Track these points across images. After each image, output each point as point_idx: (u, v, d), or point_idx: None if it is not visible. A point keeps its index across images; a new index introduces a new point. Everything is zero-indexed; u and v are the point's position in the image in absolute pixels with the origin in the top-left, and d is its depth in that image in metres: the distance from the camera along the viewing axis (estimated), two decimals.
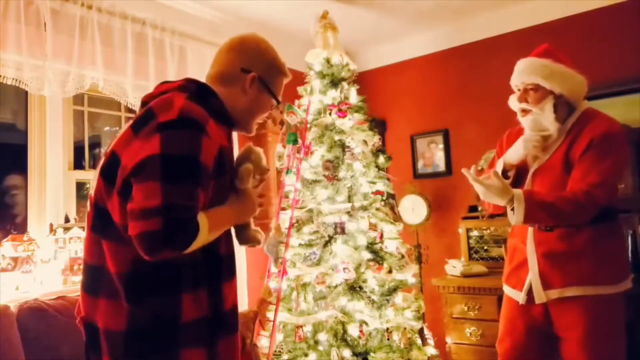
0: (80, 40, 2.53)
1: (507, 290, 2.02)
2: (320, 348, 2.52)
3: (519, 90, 1.95)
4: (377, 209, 2.76)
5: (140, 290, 1.18)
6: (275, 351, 2.57)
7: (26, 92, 2.49)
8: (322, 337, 2.52)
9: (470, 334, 3.06)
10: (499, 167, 1.98)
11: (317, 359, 2.49)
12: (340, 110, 2.81)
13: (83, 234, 2.56)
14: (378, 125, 3.83)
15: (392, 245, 2.81)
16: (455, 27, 3.74)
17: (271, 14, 3.37)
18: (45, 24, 2.40)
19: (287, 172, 2.73)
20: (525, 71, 1.91)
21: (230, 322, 1.33)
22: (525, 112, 1.91)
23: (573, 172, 1.81)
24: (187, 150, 1.14)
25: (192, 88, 1.31)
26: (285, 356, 2.59)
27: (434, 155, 3.92)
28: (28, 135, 2.63)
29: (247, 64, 1.39)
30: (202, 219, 1.15)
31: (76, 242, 2.52)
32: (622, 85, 3.02)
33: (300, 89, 2.94)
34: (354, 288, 2.59)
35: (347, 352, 2.48)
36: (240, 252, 3.00)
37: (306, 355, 2.52)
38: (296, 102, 2.92)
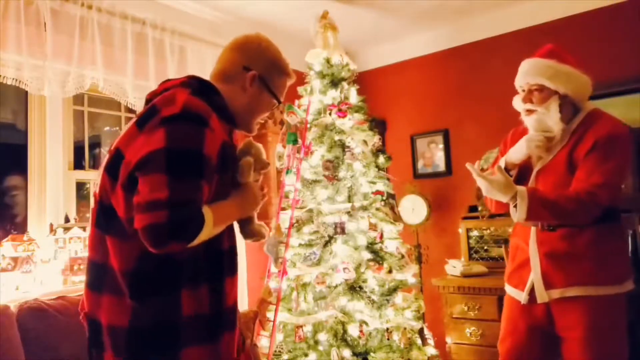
0: (80, 40, 2.53)
1: (509, 290, 2.02)
2: (320, 348, 2.52)
3: (524, 91, 1.94)
4: (377, 209, 2.76)
5: (143, 286, 1.19)
6: (275, 351, 2.57)
7: (26, 92, 2.49)
8: (322, 337, 2.52)
9: (470, 334, 3.06)
10: (501, 165, 1.97)
11: (317, 359, 2.49)
12: (340, 110, 2.81)
13: (83, 234, 2.56)
14: (378, 125, 3.82)
15: (392, 245, 2.81)
16: (455, 27, 3.74)
17: (271, 14, 3.37)
18: (45, 24, 2.40)
19: (287, 172, 2.73)
20: (529, 72, 1.90)
21: (232, 318, 1.34)
22: (529, 112, 1.90)
23: (577, 172, 1.80)
24: (191, 143, 1.15)
25: (194, 84, 1.33)
26: (285, 356, 2.59)
27: (434, 155, 3.92)
28: (28, 135, 2.63)
29: (248, 62, 1.40)
30: (207, 212, 1.16)
31: (76, 242, 2.52)
32: (622, 85, 3.02)
33: (300, 89, 2.94)
34: (354, 288, 2.59)
35: (347, 352, 2.48)
36: (240, 252, 2.99)
37: (306, 355, 2.52)
38: (296, 102, 2.92)
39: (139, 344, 1.19)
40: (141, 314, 1.18)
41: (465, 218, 3.50)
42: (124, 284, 1.19)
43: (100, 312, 1.23)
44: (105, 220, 1.23)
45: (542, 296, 1.84)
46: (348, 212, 2.69)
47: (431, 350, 2.76)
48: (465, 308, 3.10)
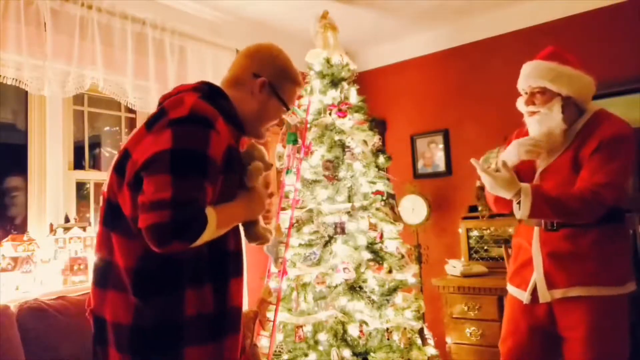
0: (80, 40, 2.53)
1: (511, 289, 2.02)
2: (320, 348, 2.52)
3: (526, 93, 1.94)
4: (377, 209, 2.76)
5: (147, 285, 1.21)
6: (275, 351, 2.57)
7: (26, 92, 2.49)
8: (322, 337, 2.52)
9: (470, 334, 3.06)
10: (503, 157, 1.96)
11: (317, 359, 2.49)
12: (340, 110, 2.81)
13: (83, 234, 2.56)
14: (378, 125, 3.82)
15: (392, 245, 2.82)
16: (455, 27, 3.75)
17: (271, 14, 3.37)
18: (45, 24, 2.40)
19: (287, 172, 2.73)
20: (531, 75, 1.90)
21: (236, 320, 1.35)
22: (532, 113, 1.90)
23: (581, 171, 1.80)
24: (197, 145, 1.18)
25: (205, 89, 1.35)
26: (285, 356, 2.59)
27: (434, 155, 3.92)
28: (28, 135, 2.63)
29: (258, 69, 1.43)
30: (210, 213, 1.17)
31: (76, 242, 2.52)
32: (622, 85, 3.02)
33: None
34: (354, 288, 2.59)
35: (347, 352, 2.48)
36: None
37: (306, 355, 2.52)
38: (296, 102, 2.92)
39: (142, 341, 1.20)
40: (144, 312, 1.20)
41: (465, 218, 3.51)
42: (128, 282, 1.21)
43: (105, 309, 1.25)
44: (112, 218, 1.25)
45: (544, 296, 1.84)
46: (348, 212, 2.69)
47: (431, 350, 2.76)
48: (465, 308, 3.10)
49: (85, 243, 2.57)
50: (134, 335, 1.20)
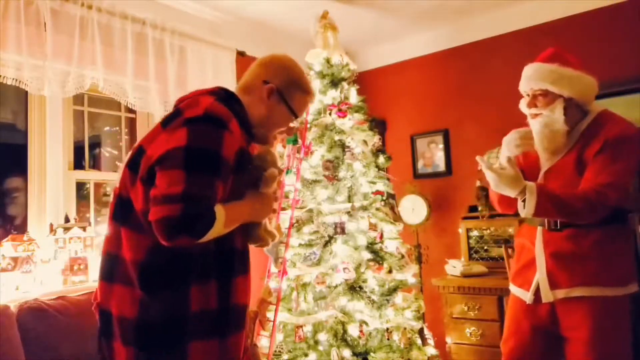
0: (80, 40, 2.53)
1: (514, 289, 2.02)
2: (320, 348, 2.52)
3: (528, 95, 1.94)
4: (377, 209, 2.76)
5: (153, 279, 1.24)
6: (275, 351, 2.57)
7: (26, 92, 2.49)
8: (322, 337, 2.52)
9: (470, 334, 3.06)
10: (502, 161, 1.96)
11: (317, 359, 2.49)
12: (340, 110, 2.81)
13: (83, 234, 2.56)
14: (378, 125, 3.82)
15: (392, 245, 2.82)
16: (455, 27, 3.74)
17: (271, 14, 3.37)
18: (45, 24, 2.40)
19: (287, 172, 2.73)
20: (532, 77, 1.90)
21: (240, 317, 1.38)
22: (535, 115, 1.90)
23: (586, 172, 1.80)
24: (210, 143, 1.22)
25: (220, 93, 1.41)
26: (285, 356, 2.59)
27: (434, 155, 3.92)
28: (28, 135, 2.63)
29: (268, 76, 1.47)
30: (219, 210, 1.21)
31: (76, 242, 2.52)
32: (622, 85, 3.02)
33: None
34: (354, 288, 2.59)
35: (347, 352, 2.48)
36: None
37: (306, 355, 2.52)
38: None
39: (147, 335, 1.23)
40: (150, 306, 1.23)
41: (465, 218, 3.50)
42: (135, 276, 1.24)
43: (111, 302, 1.28)
44: (122, 213, 1.29)
45: (547, 296, 1.84)
46: (348, 212, 2.70)
47: (431, 350, 2.76)
48: (465, 308, 3.10)
49: (85, 243, 2.57)
50: (139, 328, 1.23)
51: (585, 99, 1.88)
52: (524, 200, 1.78)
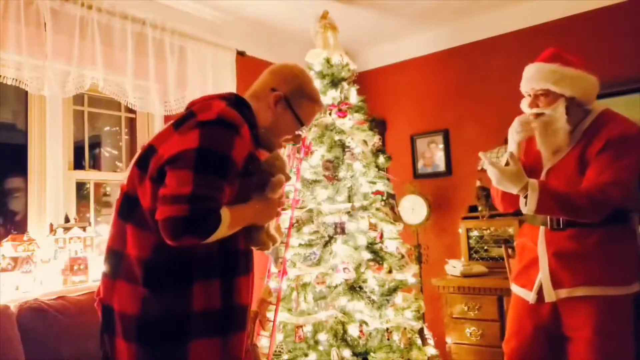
0: (80, 40, 2.52)
1: (516, 289, 2.01)
2: (320, 348, 2.52)
3: (530, 96, 1.94)
4: (377, 209, 2.76)
5: (158, 276, 1.26)
6: (275, 351, 2.57)
7: (26, 92, 2.49)
8: (322, 337, 2.52)
9: (470, 334, 3.06)
10: (504, 159, 1.96)
11: (317, 359, 2.49)
12: (340, 110, 2.82)
13: (83, 234, 2.56)
14: (378, 125, 3.82)
15: (392, 245, 2.82)
16: (455, 27, 3.74)
17: (271, 14, 3.37)
18: (45, 24, 2.40)
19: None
20: (534, 77, 1.90)
21: (242, 317, 1.39)
22: (537, 115, 1.90)
23: (588, 171, 1.80)
24: (221, 147, 1.25)
25: (231, 98, 1.45)
26: (285, 356, 2.59)
27: (434, 155, 3.92)
28: (28, 135, 2.62)
29: (276, 84, 1.50)
30: (225, 212, 1.23)
31: (76, 242, 2.52)
32: (622, 85, 3.02)
33: None
34: (354, 288, 2.59)
35: (347, 352, 2.48)
36: None
37: (306, 355, 2.52)
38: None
39: (149, 331, 1.25)
40: (153, 303, 1.25)
41: (465, 218, 3.50)
42: (139, 273, 1.26)
43: (113, 298, 1.29)
44: (129, 211, 1.31)
45: (550, 295, 1.84)
46: (348, 212, 2.70)
47: (431, 350, 2.76)
48: (465, 308, 3.10)
49: (85, 243, 2.57)
50: (141, 325, 1.25)
51: (586, 98, 1.88)
52: (526, 197, 1.78)
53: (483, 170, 1.94)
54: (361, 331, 2.52)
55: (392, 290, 2.69)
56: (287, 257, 2.56)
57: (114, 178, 3.13)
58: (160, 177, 1.24)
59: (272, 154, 1.51)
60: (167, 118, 3.16)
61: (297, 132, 1.55)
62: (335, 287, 2.59)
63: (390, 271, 2.66)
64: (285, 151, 2.76)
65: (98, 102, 3.01)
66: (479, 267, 3.22)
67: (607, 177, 1.73)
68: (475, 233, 3.42)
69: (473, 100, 3.71)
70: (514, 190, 1.81)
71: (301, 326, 2.54)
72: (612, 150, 1.76)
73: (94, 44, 2.57)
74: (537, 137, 1.94)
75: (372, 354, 2.54)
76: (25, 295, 2.24)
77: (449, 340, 3.18)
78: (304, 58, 3.00)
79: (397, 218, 2.94)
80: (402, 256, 2.80)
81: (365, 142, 2.82)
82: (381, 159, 2.93)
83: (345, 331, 2.51)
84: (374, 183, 2.84)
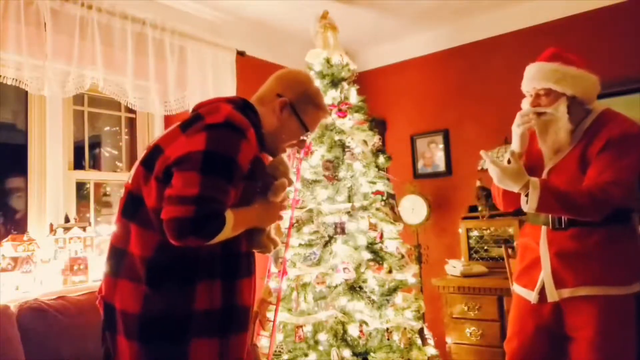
0: (80, 40, 2.52)
1: (518, 289, 2.01)
2: (320, 348, 2.52)
3: (531, 95, 1.94)
4: (377, 209, 2.76)
5: (160, 275, 1.27)
6: (275, 351, 2.57)
7: (26, 92, 2.49)
8: (322, 337, 2.52)
9: (470, 334, 3.06)
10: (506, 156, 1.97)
11: (317, 359, 2.49)
12: (340, 110, 2.81)
13: (83, 234, 2.56)
14: (378, 125, 3.82)
15: (392, 245, 2.82)
16: (455, 27, 3.74)
17: (271, 14, 3.37)
18: (45, 24, 2.39)
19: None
20: (535, 77, 1.90)
21: (243, 319, 1.40)
22: (538, 114, 1.90)
23: (589, 170, 1.80)
24: (228, 150, 1.26)
25: (238, 102, 1.46)
26: (285, 356, 2.59)
27: (434, 155, 3.92)
28: (28, 135, 2.63)
29: (282, 90, 1.52)
30: (229, 215, 1.25)
31: (76, 242, 2.52)
32: (622, 85, 3.02)
33: None
34: (354, 288, 2.59)
35: (347, 352, 2.48)
36: None
37: (306, 355, 2.52)
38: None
39: (150, 329, 1.26)
40: (155, 301, 1.26)
41: (465, 218, 3.50)
42: (142, 271, 1.27)
43: (115, 296, 1.31)
44: (133, 210, 1.32)
45: (552, 295, 1.83)
46: (348, 212, 2.70)
47: (431, 350, 2.76)
48: (465, 308, 3.10)
49: (85, 243, 2.57)
50: (143, 323, 1.26)
51: (588, 98, 1.89)
52: (527, 195, 1.78)
53: (483, 170, 1.95)
54: (361, 331, 2.52)
55: (392, 290, 2.69)
56: (287, 257, 2.56)
57: (114, 178, 3.13)
58: (166, 178, 1.26)
59: (276, 159, 1.52)
60: (167, 118, 3.16)
61: (301, 138, 1.56)
62: (335, 287, 2.59)
63: (390, 271, 2.66)
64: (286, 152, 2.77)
65: (98, 102, 3.01)
66: (479, 267, 3.22)
67: (608, 176, 1.73)
68: (475, 233, 3.42)
69: (473, 100, 3.71)
70: (515, 188, 1.81)
71: (301, 326, 2.54)
72: (613, 149, 1.76)
73: (94, 44, 2.57)
74: (538, 136, 1.94)
75: (372, 354, 2.54)
76: (25, 295, 2.24)
77: (449, 340, 3.18)
78: (304, 58, 3.00)
79: (397, 218, 2.94)
80: (402, 256, 2.80)
81: (365, 142, 2.82)
82: (381, 159, 2.93)
83: (345, 331, 2.51)
84: (374, 183, 2.84)
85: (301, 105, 1.51)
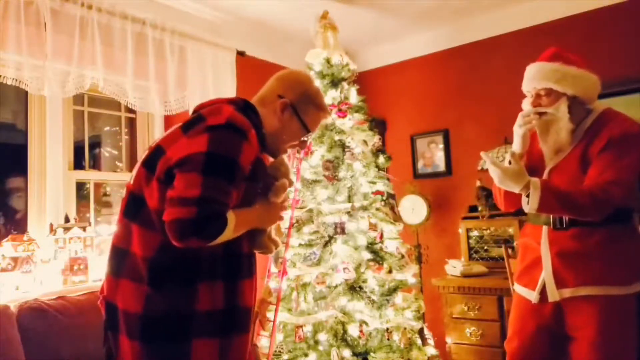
0: (80, 40, 2.52)
1: (519, 289, 2.01)
2: (320, 348, 2.52)
3: (532, 95, 1.94)
4: (377, 209, 2.76)
5: (162, 276, 1.28)
6: (275, 351, 2.57)
7: (26, 92, 2.49)
8: (322, 337, 2.52)
9: (470, 334, 3.06)
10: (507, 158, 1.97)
11: (317, 359, 2.49)
12: (340, 110, 2.81)
13: (83, 234, 2.56)
14: (378, 125, 3.82)
15: (392, 245, 2.81)
16: (455, 27, 3.74)
17: (271, 14, 3.37)
18: (45, 24, 2.40)
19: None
20: (536, 77, 1.90)
21: (245, 320, 1.41)
22: (539, 114, 1.90)
23: (590, 170, 1.80)
24: (230, 151, 1.27)
25: (240, 103, 1.46)
26: (285, 356, 2.59)
27: (434, 155, 3.92)
28: (28, 135, 2.63)
29: (283, 91, 1.52)
30: (230, 216, 1.26)
31: (76, 242, 2.52)
32: (622, 85, 3.02)
33: None
34: (354, 288, 2.59)
35: (347, 352, 2.48)
36: None
37: (306, 355, 2.52)
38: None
39: (152, 329, 1.26)
40: (156, 301, 1.26)
41: (465, 218, 3.50)
42: (145, 271, 1.27)
43: (117, 296, 1.31)
44: (135, 210, 1.33)
45: (553, 295, 1.83)
46: (348, 212, 2.70)
47: (431, 350, 2.76)
48: (465, 308, 3.10)
49: (85, 243, 2.57)
50: (144, 323, 1.26)
51: (588, 97, 1.89)
52: (528, 196, 1.78)
53: (483, 170, 1.95)
54: (361, 331, 2.51)
55: (392, 290, 2.69)
56: (287, 257, 2.56)
57: (114, 178, 3.13)
58: (167, 179, 1.26)
59: (276, 160, 1.53)
60: (167, 118, 3.16)
61: (302, 139, 1.56)
62: (335, 287, 2.59)
63: (390, 271, 2.66)
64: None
65: (98, 102, 3.01)
66: (479, 267, 3.22)
67: (609, 176, 1.73)
68: (475, 233, 3.42)
69: (473, 100, 3.71)
70: (516, 189, 1.81)
71: (301, 326, 2.54)
72: (614, 149, 1.76)
73: (94, 44, 2.57)
74: (539, 136, 1.94)
75: (372, 354, 2.54)
76: (25, 295, 2.24)
77: (449, 340, 3.18)
78: (304, 58, 3.00)
79: (397, 218, 2.94)
80: (402, 256, 2.80)
81: (365, 142, 2.82)
82: (381, 159, 2.93)
83: (345, 331, 2.51)
84: (374, 183, 2.84)
85: (302, 106, 1.52)
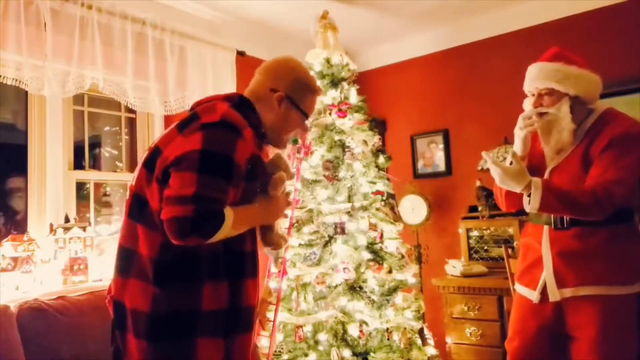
0: (80, 40, 2.52)
1: (520, 289, 2.01)
2: (320, 348, 2.52)
3: (533, 95, 1.94)
4: (377, 209, 2.76)
5: (166, 275, 1.29)
6: (275, 351, 2.57)
7: (26, 92, 2.49)
8: (322, 337, 2.52)
9: (470, 334, 3.06)
10: (509, 158, 1.97)
11: (317, 359, 2.49)
12: (340, 110, 2.81)
13: (83, 234, 2.56)
14: (378, 125, 3.82)
15: (392, 245, 2.81)
16: (455, 27, 3.74)
17: (271, 14, 3.37)
18: (45, 24, 2.40)
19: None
20: (538, 77, 1.90)
21: (249, 319, 1.42)
22: (541, 115, 1.90)
23: (591, 169, 1.80)
24: (224, 149, 1.27)
25: (235, 100, 1.46)
26: (285, 356, 2.58)
27: (434, 155, 3.92)
28: (28, 135, 2.63)
29: (274, 84, 1.51)
30: (228, 212, 1.26)
31: (76, 242, 2.52)
32: (622, 85, 3.02)
33: None
34: (354, 288, 2.59)
35: (347, 352, 2.48)
36: None
37: (306, 355, 2.52)
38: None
39: (158, 328, 1.27)
40: (162, 300, 1.27)
41: (465, 218, 3.50)
42: (151, 271, 1.28)
43: (125, 295, 1.32)
44: (138, 210, 1.34)
45: (554, 294, 1.84)
46: (348, 212, 2.69)
47: (431, 350, 2.76)
48: (465, 308, 3.10)
49: (85, 243, 2.57)
50: (152, 322, 1.27)
51: (590, 97, 1.89)
52: (529, 196, 1.78)
53: (483, 170, 1.94)
54: (361, 331, 2.51)
55: (392, 290, 2.69)
56: (287, 257, 2.56)
57: (114, 178, 3.13)
58: (165, 179, 1.27)
59: (274, 156, 1.53)
60: (167, 118, 3.16)
61: (304, 123, 1.58)
62: (335, 287, 2.59)
63: (390, 271, 2.66)
64: (285, 151, 2.77)
65: (98, 102, 3.01)
66: (479, 267, 3.22)
67: (610, 175, 1.73)
68: (475, 233, 3.42)
69: (473, 100, 3.71)
70: (517, 189, 1.81)
71: (301, 326, 2.54)
72: (615, 148, 1.76)
73: (94, 44, 2.57)
74: (540, 136, 1.94)
75: (372, 354, 2.53)
76: (25, 295, 2.24)
77: (449, 340, 3.18)
78: (304, 58, 2.99)
79: (397, 218, 2.94)
80: (402, 256, 2.80)
81: (365, 142, 2.82)
82: (381, 159, 2.93)
83: (345, 331, 2.51)
84: (374, 183, 2.84)
85: (297, 95, 1.52)
